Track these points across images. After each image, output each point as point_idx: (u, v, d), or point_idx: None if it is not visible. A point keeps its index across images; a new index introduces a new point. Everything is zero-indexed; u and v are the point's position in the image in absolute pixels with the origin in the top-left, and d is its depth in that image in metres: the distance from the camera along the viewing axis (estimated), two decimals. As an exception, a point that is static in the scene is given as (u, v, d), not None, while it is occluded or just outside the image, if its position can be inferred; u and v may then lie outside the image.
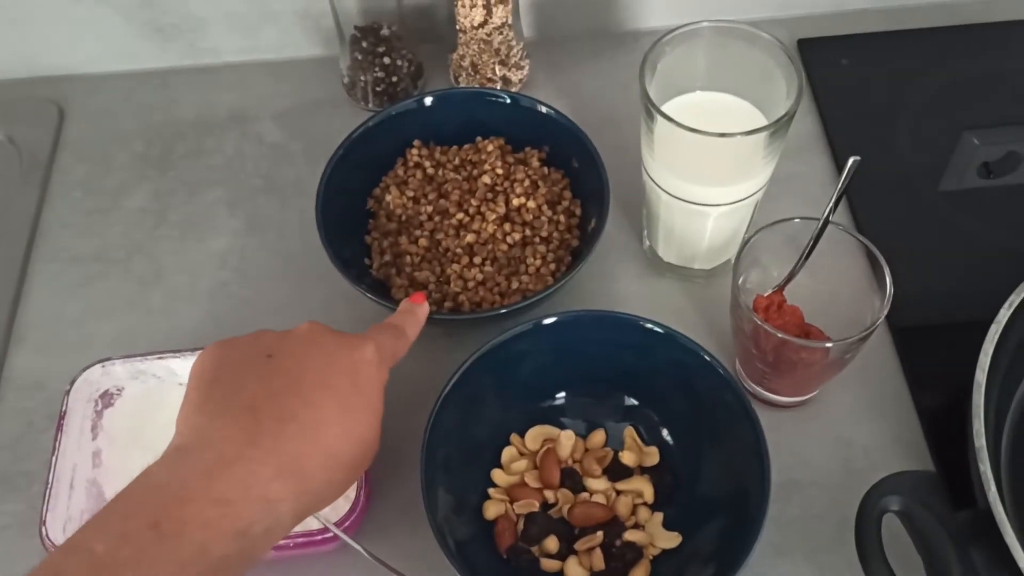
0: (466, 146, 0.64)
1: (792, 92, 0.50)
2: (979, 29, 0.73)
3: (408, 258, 0.59)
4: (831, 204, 0.48)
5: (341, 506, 0.49)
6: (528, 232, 0.59)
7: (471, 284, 0.58)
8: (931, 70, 0.71)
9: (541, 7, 0.73)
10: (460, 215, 0.60)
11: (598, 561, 0.50)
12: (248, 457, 0.36)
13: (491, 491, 0.53)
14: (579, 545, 0.51)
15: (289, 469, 0.37)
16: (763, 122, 0.52)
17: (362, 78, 0.70)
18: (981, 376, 0.47)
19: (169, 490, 0.35)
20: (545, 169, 0.62)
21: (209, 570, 0.34)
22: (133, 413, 0.54)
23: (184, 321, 0.62)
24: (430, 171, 0.62)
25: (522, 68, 0.71)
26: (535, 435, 0.54)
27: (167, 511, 0.34)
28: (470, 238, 0.59)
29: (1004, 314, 0.49)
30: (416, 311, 0.49)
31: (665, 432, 0.54)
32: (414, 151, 0.63)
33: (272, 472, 0.37)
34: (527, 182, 0.61)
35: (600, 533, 0.51)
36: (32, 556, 0.34)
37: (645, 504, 0.52)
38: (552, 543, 0.51)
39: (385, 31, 0.68)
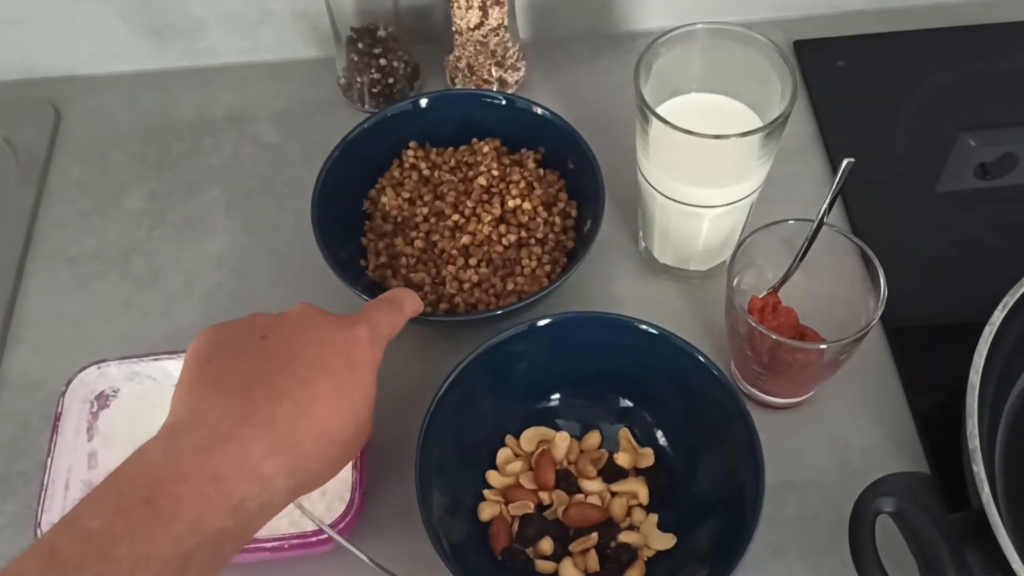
0: (462, 147, 0.64)
1: (787, 94, 0.50)
2: (975, 30, 0.73)
3: (404, 259, 0.59)
4: (825, 206, 0.48)
5: (336, 507, 0.50)
6: (524, 233, 0.59)
7: (466, 285, 0.58)
8: (927, 71, 0.71)
9: (537, 8, 0.73)
10: (456, 216, 0.60)
11: (593, 563, 0.50)
12: (242, 434, 0.37)
13: (486, 492, 0.53)
14: (574, 547, 0.51)
15: (283, 445, 0.38)
16: (758, 124, 0.52)
17: (358, 79, 0.70)
18: (975, 377, 0.47)
19: (163, 467, 0.35)
20: (541, 170, 0.62)
21: (203, 544, 0.34)
22: (129, 414, 0.54)
23: (181, 322, 0.62)
24: (426, 172, 0.63)
25: (518, 69, 0.71)
26: (530, 436, 0.54)
27: (161, 487, 0.34)
28: (466, 239, 0.59)
29: (998, 316, 0.49)
30: (414, 294, 0.49)
31: (660, 433, 0.54)
32: (410, 152, 0.63)
33: (266, 448, 0.37)
34: (523, 183, 0.61)
35: (595, 534, 0.51)
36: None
37: (640, 505, 0.52)
38: (547, 544, 0.51)
39: (381, 32, 0.68)
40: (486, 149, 0.62)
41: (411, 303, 0.48)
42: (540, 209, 0.60)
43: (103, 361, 0.54)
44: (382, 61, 0.69)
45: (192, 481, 0.35)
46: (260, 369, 0.39)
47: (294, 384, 0.39)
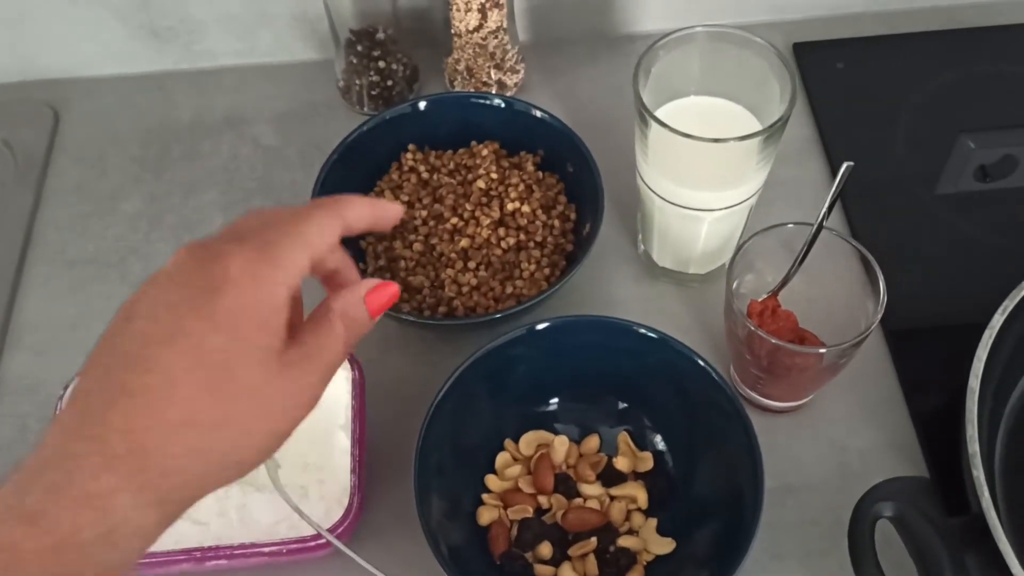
0: (461, 150, 0.64)
1: (786, 97, 0.50)
2: (974, 32, 0.73)
3: (402, 263, 0.59)
4: (825, 209, 0.48)
5: (334, 511, 0.49)
6: (523, 236, 0.59)
7: (465, 289, 0.58)
8: (927, 74, 0.71)
9: (536, 11, 0.73)
10: (454, 220, 0.60)
11: (592, 567, 0.50)
12: (68, 452, 0.30)
13: (485, 497, 0.53)
14: (573, 551, 0.51)
15: (120, 453, 0.30)
16: (757, 127, 0.52)
17: (357, 82, 0.70)
18: (975, 382, 0.47)
19: None
20: (540, 173, 0.62)
21: None
22: (126, 418, 0.54)
23: (179, 325, 0.62)
24: (425, 175, 0.62)
25: (517, 72, 0.71)
26: (529, 440, 0.54)
27: None
28: (464, 243, 0.59)
29: (998, 320, 0.49)
30: (387, 206, 0.39)
31: (659, 437, 0.54)
32: (409, 155, 0.63)
33: (99, 463, 0.30)
34: (522, 186, 0.60)
35: (594, 539, 0.51)
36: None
37: (639, 510, 0.52)
38: (546, 549, 0.51)
39: (380, 35, 0.68)
40: (485, 152, 0.62)
41: (359, 207, 0.37)
42: (539, 212, 0.60)
43: (101, 364, 0.54)
44: (381, 63, 0.68)
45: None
46: (105, 366, 0.32)
47: (133, 375, 0.31)
